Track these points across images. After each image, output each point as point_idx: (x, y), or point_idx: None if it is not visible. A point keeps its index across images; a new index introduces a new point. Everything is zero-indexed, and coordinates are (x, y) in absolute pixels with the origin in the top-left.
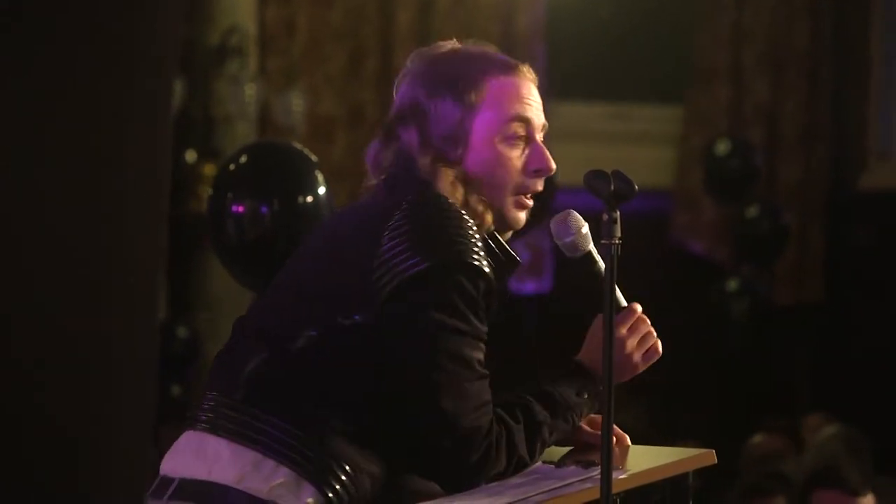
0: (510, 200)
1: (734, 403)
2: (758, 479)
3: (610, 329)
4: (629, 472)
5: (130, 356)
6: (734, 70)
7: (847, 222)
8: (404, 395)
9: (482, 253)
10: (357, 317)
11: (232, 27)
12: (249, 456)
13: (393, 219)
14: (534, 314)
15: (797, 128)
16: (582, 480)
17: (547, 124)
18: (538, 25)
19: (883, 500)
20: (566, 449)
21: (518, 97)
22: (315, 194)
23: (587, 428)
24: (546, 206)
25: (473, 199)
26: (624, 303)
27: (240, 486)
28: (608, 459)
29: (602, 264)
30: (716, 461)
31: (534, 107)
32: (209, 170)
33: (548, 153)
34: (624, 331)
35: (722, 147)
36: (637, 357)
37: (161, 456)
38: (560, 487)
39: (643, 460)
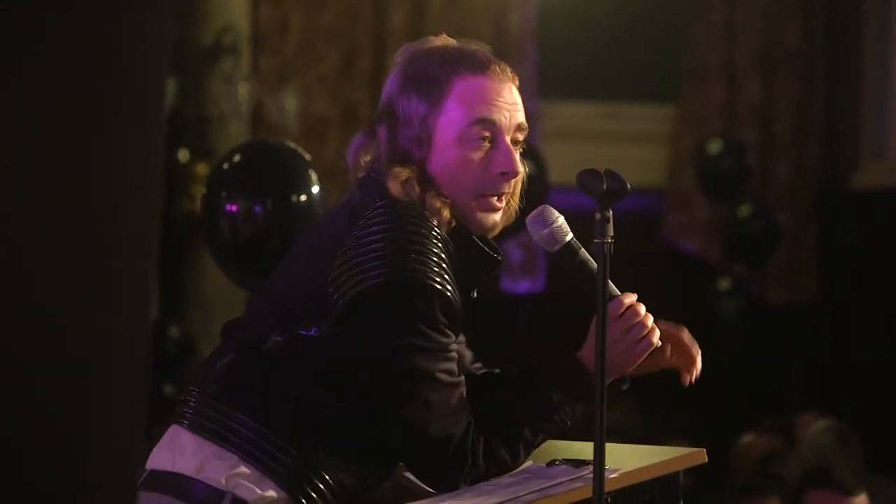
0: (474, 203)
1: (727, 402)
2: (750, 478)
3: (603, 327)
4: (620, 472)
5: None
6: (727, 69)
7: (840, 221)
8: (373, 405)
9: (438, 269)
10: (315, 330)
11: (225, 26)
12: (211, 449)
13: (351, 232)
14: (527, 313)
15: (790, 127)
16: (572, 480)
17: (524, 124)
18: (530, 25)
19: (876, 499)
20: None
21: (485, 98)
22: (308, 194)
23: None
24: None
25: (430, 196)
26: (617, 292)
27: (199, 477)
28: (600, 459)
29: (584, 253)
30: (706, 460)
31: (503, 108)
32: (202, 169)
33: (514, 155)
34: (612, 321)
35: (714, 146)
36: (627, 347)
37: None
38: (551, 487)
39: (634, 459)
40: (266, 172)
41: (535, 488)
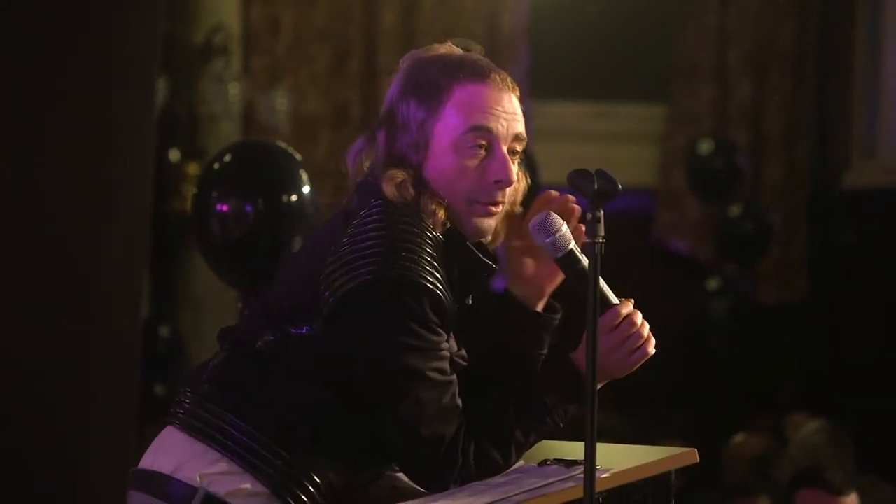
0: (468, 209)
1: (718, 402)
2: (741, 478)
3: (594, 329)
4: (612, 472)
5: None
6: (718, 69)
7: (831, 221)
8: (364, 404)
9: (429, 268)
10: (306, 329)
11: (216, 26)
12: (197, 448)
13: (346, 232)
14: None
15: (781, 127)
16: (564, 479)
17: (523, 135)
18: (522, 25)
19: (867, 499)
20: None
21: (482, 106)
22: (299, 193)
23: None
24: None
25: (425, 198)
26: (615, 300)
27: (175, 475)
28: (591, 459)
29: (585, 261)
30: (698, 460)
31: (500, 117)
32: (193, 169)
33: (510, 164)
34: (609, 331)
35: (705, 146)
36: (622, 357)
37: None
38: (542, 486)
39: (626, 459)
40: (257, 172)
41: (527, 488)
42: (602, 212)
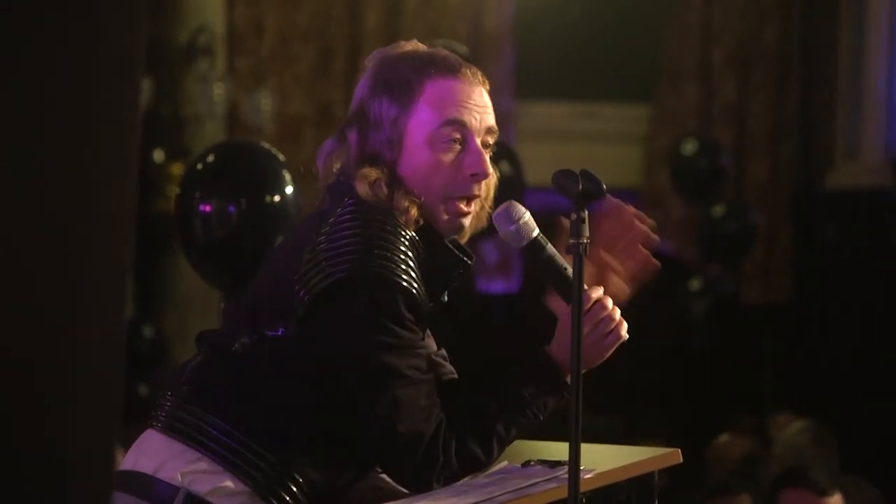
0: (442, 206)
1: (702, 402)
2: (724, 478)
3: (578, 326)
4: (595, 472)
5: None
6: (702, 69)
7: (815, 221)
8: (343, 404)
9: (404, 266)
10: (281, 330)
11: (200, 26)
12: (176, 448)
13: (320, 233)
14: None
15: (765, 127)
16: (548, 480)
17: (494, 127)
18: (506, 25)
19: (851, 499)
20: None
21: (455, 100)
22: (282, 194)
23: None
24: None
25: (399, 195)
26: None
27: (157, 475)
28: (576, 459)
29: (551, 249)
30: (682, 460)
31: (473, 110)
32: (178, 169)
33: (485, 157)
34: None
35: (689, 146)
36: (595, 341)
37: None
38: (526, 487)
39: (609, 459)
40: (240, 173)
41: (511, 489)
42: (587, 212)
